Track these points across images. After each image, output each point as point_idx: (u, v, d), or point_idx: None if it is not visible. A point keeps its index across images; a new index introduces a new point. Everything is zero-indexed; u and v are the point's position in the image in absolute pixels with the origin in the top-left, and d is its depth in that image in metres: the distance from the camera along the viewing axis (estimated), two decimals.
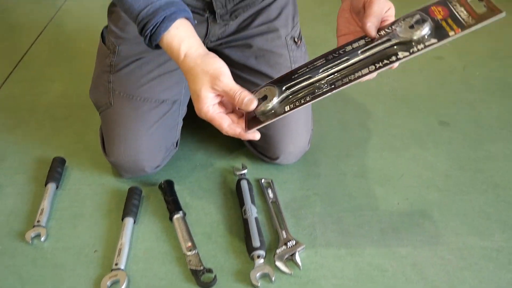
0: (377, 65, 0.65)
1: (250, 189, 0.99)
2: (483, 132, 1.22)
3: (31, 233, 0.91)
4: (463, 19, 0.63)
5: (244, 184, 0.99)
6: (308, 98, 0.68)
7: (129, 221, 0.93)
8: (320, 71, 0.69)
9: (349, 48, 0.71)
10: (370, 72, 0.65)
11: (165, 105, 0.97)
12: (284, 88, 0.71)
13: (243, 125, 0.72)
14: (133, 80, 0.94)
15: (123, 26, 0.95)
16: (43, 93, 1.42)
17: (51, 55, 1.66)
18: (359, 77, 0.66)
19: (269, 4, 1.00)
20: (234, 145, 1.16)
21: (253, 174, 1.07)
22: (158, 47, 0.75)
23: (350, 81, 0.66)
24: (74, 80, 1.49)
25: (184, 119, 1.05)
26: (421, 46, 0.64)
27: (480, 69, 1.53)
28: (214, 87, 0.69)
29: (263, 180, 1.04)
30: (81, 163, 1.12)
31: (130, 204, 0.96)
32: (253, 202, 0.96)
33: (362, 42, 0.70)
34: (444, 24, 0.65)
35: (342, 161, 1.11)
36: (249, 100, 0.68)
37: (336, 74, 0.68)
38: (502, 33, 1.82)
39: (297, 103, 0.69)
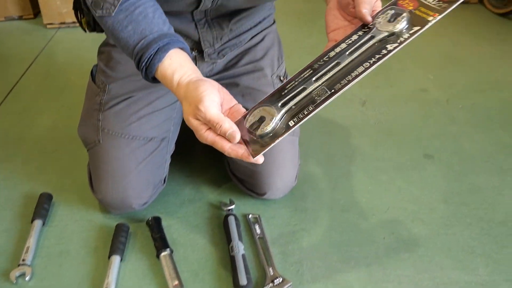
0: (371, 61, 0.64)
1: (238, 225, 0.99)
2: (466, 165, 1.24)
3: (16, 272, 0.91)
4: (434, 5, 0.65)
5: (231, 220, 1.00)
6: (311, 108, 0.65)
7: (115, 259, 0.93)
8: (313, 79, 0.67)
9: (332, 53, 0.69)
10: (365, 69, 0.63)
11: (153, 143, 0.98)
12: (280, 105, 0.67)
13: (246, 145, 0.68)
14: (122, 119, 0.95)
15: (114, 66, 0.97)
16: (32, 126, 1.43)
17: (40, 87, 1.67)
18: (356, 76, 0.64)
19: (255, 45, 1.03)
20: (222, 179, 1.17)
21: (240, 209, 1.08)
22: (155, 80, 0.76)
23: (349, 81, 0.64)
24: (63, 112, 1.50)
25: (172, 155, 1.06)
26: (407, 35, 0.65)
27: (463, 101, 1.57)
28: (197, 117, 0.68)
29: (250, 216, 1.05)
30: (68, 199, 1.12)
31: (117, 242, 0.96)
32: (240, 238, 0.96)
33: (344, 45, 0.69)
34: (418, 13, 0.66)
35: (329, 195, 1.13)
36: (230, 135, 0.65)
37: (331, 78, 0.66)
38: (484, 65, 1.87)
39: (301, 115, 0.65)
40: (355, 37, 0.69)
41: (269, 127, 0.66)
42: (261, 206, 1.09)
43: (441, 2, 0.65)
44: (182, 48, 0.75)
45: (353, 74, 0.64)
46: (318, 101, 0.64)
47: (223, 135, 0.66)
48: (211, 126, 0.67)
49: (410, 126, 1.42)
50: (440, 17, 0.64)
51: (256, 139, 0.67)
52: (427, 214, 1.07)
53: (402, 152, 1.29)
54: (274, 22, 1.10)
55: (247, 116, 0.69)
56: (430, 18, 0.65)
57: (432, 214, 1.07)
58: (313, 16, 2.42)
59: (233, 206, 1.05)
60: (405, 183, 1.17)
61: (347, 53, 0.67)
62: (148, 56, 0.72)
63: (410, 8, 0.67)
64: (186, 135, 1.16)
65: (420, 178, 1.19)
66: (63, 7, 2.25)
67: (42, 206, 1.05)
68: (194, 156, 1.26)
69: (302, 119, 0.65)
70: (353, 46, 0.67)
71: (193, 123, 0.69)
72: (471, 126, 1.43)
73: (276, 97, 0.69)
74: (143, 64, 0.73)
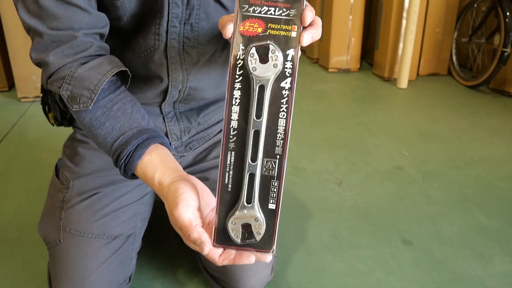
0: (283, 108, 0.60)
1: None
2: (446, 251, 1.21)
3: None
4: (280, 16, 0.59)
5: None
6: (275, 184, 0.62)
7: None
8: (249, 161, 0.61)
9: (235, 124, 0.62)
10: (286, 119, 0.60)
11: (118, 241, 0.92)
12: (245, 203, 0.63)
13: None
14: (85, 217, 0.90)
15: (79, 161, 0.93)
16: None
17: (7, 168, 1.62)
18: (286, 131, 0.61)
19: None
20: (194, 273, 1.11)
21: None
22: (134, 176, 0.72)
23: (284, 140, 0.61)
24: (29, 196, 1.44)
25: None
26: (289, 64, 0.59)
27: (438, 179, 1.57)
28: (173, 223, 0.64)
29: None
30: None
31: None
32: None
33: (236, 108, 0.61)
34: (274, 32, 0.59)
35: None
36: (199, 244, 0.61)
37: (265, 150, 0.61)
38: (457, 139, 1.90)
39: (273, 194, 0.62)
40: (237, 93, 0.62)
41: (262, 227, 0.62)
42: None
43: (284, 8, 0.59)
44: (162, 143, 0.72)
45: (281, 132, 0.61)
46: (276, 175, 0.62)
47: (192, 244, 0.62)
48: (182, 234, 0.62)
49: (387, 208, 1.40)
50: (300, 28, 0.58)
51: (256, 242, 0.63)
52: None
53: (380, 238, 1.26)
54: None
55: (229, 231, 0.63)
56: (293, 34, 0.59)
57: None
58: None
59: None
60: (384, 273, 1.13)
61: (253, 117, 0.61)
62: (127, 153, 0.69)
63: (259, 30, 0.60)
64: (157, 223, 1.12)
65: (399, 268, 1.15)
66: (38, 81, 2.24)
67: None
68: (164, 247, 1.20)
69: (278, 199, 0.62)
70: (252, 107, 0.61)
71: (174, 228, 0.64)
72: (447, 206, 1.41)
73: (229, 197, 0.63)
74: (122, 161, 0.70)
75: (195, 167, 0.99)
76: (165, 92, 0.88)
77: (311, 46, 3.20)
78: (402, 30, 2.61)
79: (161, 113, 0.93)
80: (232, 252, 0.63)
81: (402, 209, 1.39)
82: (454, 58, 2.80)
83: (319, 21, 0.60)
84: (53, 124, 0.95)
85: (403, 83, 2.61)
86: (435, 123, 2.10)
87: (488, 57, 2.65)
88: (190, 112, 0.95)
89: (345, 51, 2.90)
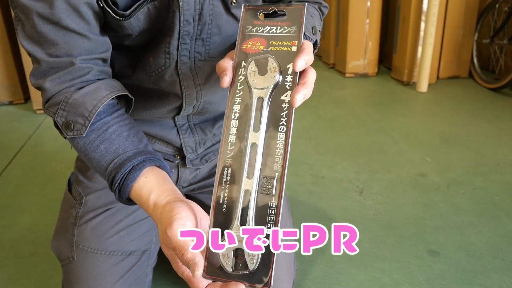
0: (282, 122, 0.56)
1: None
2: (475, 262, 1.15)
3: None
4: (282, 33, 0.59)
5: None
6: (273, 204, 0.56)
7: None
8: (245, 177, 0.57)
9: (233, 139, 0.59)
10: (286, 133, 0.56)
11: (133, 257, 0.89)
12: (239, 224, 0.57)
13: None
14: (99, 234, 0.87)
15: (91, 176, 0.90)
16: (10, 226, 1.34)
17: (23, 181, 1.61)
18: (285, 145, 0.56)
19: None
20: None
21: None
22: (131, 201, 0.68)
23: (284, 155, 0.56)
24: (44, 209, 1.42)
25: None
26: (290, 77, 0.57)
27: (464, 186, 1.51)
28: (166, 243, 0.57)
29: None
30: None
31: None
32: None
33: (234, 123, 0.59)
34: (275, 49, 0.59)
35: None
36: (192, 266, 0.53)
37: (263, 164, 0.57)
38: (481, 144, 1.84)
39: (271, 218, 0.56)
40: (237, 107, 0.59)
41: (256, 255, 0.55)
42: None
43: (285, 26, 0.59)
44: (159, 166, 0.68)
45: (280, 146, 0.56)
46: (275, 193, 0.56)
47: (186, 265, 0.55)
48: (176, 253, 0.56)
49: (411, 217, 1.34)
50: (300, 42, 0.58)
51: (250, 272, 0.55)
52: None
53: (405, 249, 1.20)
54: None
55: (219, 257, 0.56)
56: (293, 49, 0.59)
57: None
58: None
59: None
60: (411, 286, 1.07)
61: (251, 130, 0.58)
62: (121, 176, 0.66)
63: (261, 48, 0.60)
64: None
65: (427, 281, 1.09)
66: None
67: None
68: None
69: (276, 222, 0.55)
70: (249, 119, 0.58)
71: (167, 252, 0.59)
72: (475, 215, 1.35)
73: (223, 218, 0.57)
74: (116, 184, 0.66)
75: (211, 179, 0.96)
76: (179, 108, 0.84)
77: (327, 51, 3.16)
78: (421, 33, 2.55)
79: (175, 125, 0.90)
80: (218, 284, 0.55)
81: (427, 219, 1.34)
82: (475, 60, 2.73)
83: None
84: (65, 138, 0.93)
85: (423, 86, 2.54)
86: (457, 127, 2.03)
87: (511, 58, 2.57)
88: (205, 123, 0.92)
89: (362, 56, 2.85)
